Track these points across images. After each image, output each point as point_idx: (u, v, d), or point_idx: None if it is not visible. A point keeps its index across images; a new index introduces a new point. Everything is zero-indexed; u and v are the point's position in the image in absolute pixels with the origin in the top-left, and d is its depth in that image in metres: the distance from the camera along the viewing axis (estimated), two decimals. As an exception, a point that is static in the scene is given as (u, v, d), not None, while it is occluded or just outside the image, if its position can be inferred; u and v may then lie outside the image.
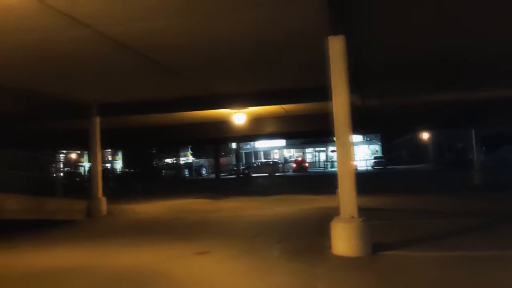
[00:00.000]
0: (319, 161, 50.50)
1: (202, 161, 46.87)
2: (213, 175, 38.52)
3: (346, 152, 5.92)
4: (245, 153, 53.22)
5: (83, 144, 14.58)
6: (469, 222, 8.17)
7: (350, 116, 5.85)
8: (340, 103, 5.91)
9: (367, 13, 6.18)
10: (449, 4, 6.06)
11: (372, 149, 50.71)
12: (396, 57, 8.61)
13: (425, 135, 35.97)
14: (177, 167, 41.77)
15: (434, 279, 4.62)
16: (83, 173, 28.29)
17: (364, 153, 49.12)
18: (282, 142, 49.27)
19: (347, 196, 5.71)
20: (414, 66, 9.45)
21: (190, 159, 47.22)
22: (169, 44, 7.17)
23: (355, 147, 49.23)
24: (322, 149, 50.12)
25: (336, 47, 5.87)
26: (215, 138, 25.68)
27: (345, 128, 5.87)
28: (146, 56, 7.76)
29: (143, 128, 17.97)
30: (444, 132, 32.44)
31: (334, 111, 5.93)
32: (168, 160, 45.70)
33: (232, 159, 46.86)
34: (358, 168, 39.98)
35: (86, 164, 30.42)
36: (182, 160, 46.24)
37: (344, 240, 5.54)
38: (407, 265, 5.21)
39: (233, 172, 40.34)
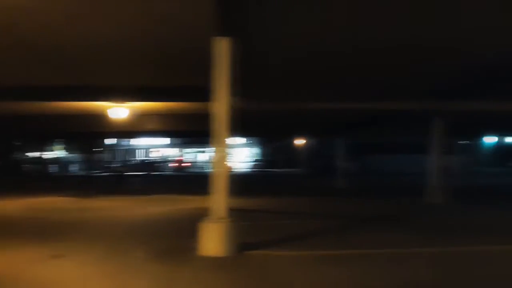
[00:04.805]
0: (200, 161, 50.57)
1: (73, 156, 43.54)
2: (84, 172, 36.08)
3: (222, 154, 5.98)
4: (123, 150, 50.92)
5: None
6: (330, 223, 8.85)
7: (229, 119, 5.91)
8: (220, 105, 5.95)
9: (254, 18, 6.23)
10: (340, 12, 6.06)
11: (253, 152, 52.39)
12: (277, 65, 8.91)
13: (300, 142, 38.29)
14: (42, 161, 38.14)
15: (292, 276, 4.86)
16: None
17: (244, 156, 50.57)
18: (163, 141, 48.23)
19: (218, 197, 5.76)
20: (293, 75, 9.90)
21: (60, 153, 43.59)
22: (38, 28, 6.45)
23: (237, 150, 50.54)
24: (203, 149, 50.28)
25: (221, 48, 5.88)
26: (89, 132, 24.05)
27: (223, 130, 5.94)
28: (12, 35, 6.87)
29: (2, 118, 16.00)
30: (317, 139, 34.85)
31: (214, 112, 5.95)
32: (33, 154, 41.52)
33: (108, 155, 44.42)
34: (238, 170, 41.06)
35: None
36: (50, 155, 42.43)
37: (211, 240, 5.57)
38: (269, 264, 5.42)
39: (108, 169, 38.26)
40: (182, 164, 42.45)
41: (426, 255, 5.96)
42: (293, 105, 13.25)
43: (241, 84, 9.71)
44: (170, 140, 47.77)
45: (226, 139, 5.94)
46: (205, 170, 42.18)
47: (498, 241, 6.78)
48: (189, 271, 5.05)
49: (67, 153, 43.42)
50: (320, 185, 22.05)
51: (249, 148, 52.04)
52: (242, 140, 47.03)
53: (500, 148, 44.34)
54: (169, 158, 48.48)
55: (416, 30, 6.47)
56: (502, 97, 11.67)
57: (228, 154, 6.08)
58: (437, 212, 10.84)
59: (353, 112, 15.08)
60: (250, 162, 46.50)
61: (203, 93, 7.28)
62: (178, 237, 7.11)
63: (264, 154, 51.05)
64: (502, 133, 33.94)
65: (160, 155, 51.09)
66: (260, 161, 45.48)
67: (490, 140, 38.34)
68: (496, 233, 7.66)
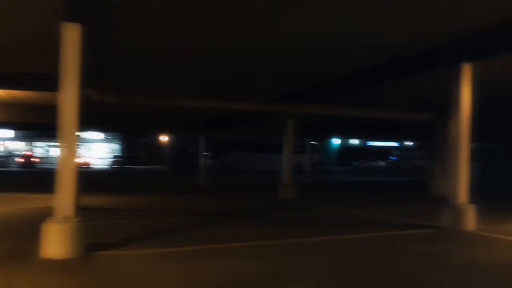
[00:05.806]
0: (51, 156, 46.34)
1: None
2: None
3: (69, 149, 5.65)
4: (-43, 142, 43.99)
5: None
6: (187, 220, 8.97)
7: (78, 111, 5.57)
8: (68, 97, 5.56)
9: (106, 3, 5.94)
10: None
11: (112, 148, 49.83)
12: (133, 56, 8.61)
13: (164, 138, 37.68)
14: None
15: (140, 275, 4.80)
16: None
17: (103, 152, 47.83)
18: (7, 133, 42.94)
19: (64, 195, 5.38)
20: (149, 69, 9.71)
21: None
22: None
23: (94, 145, 47.54)
24: (55, 143, 46.17)
25: (70, 35, 5.47)
26: None
27: (71, 123, 5.58)
28: None
29: None
30: (181, 136, 34.76)
31: (61, 104, 5.56)
32: None
33: None
34: (94, 167, 38.71)
35: None
36: None
37: (55, 242, 5.18)
38: (118, 263, 5.25)
39: None
40: (30, 160, 38.34)
41: (274, 246, 6.41)
42: (150, 100, 13.09)
43: (97, 76, 9.27)
44: (16, 132, 42.80)
45: (74, 133, 5.59)
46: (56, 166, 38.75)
47: (340, 232, 7.56)
48: (29, 277, 4.62)
49: None
50: (182, 182, 22.06)
51: (108, 143, 49.38)
52: (100, 135, 44.42)
53: (344, 149, 49.96)
54: (15, 153, 43.38)
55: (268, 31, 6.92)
56: (345, 103, 13.20)
57: (76, 149, 5.74)
58: (287, 207, 11.74)
59: (211, 111, 15.50)
60: (109, 158, 44.20)
61: (52, 82, 6.75)
62: (19, 240, 6.44)
63: (125, 150, 48.99)
64: (346, 135, 38.21)
65: (4, 149, 45.39)
66: (120, 157, 43.50)
67: (336, 141, 42.85)
68: (338, 225, 8.62)
